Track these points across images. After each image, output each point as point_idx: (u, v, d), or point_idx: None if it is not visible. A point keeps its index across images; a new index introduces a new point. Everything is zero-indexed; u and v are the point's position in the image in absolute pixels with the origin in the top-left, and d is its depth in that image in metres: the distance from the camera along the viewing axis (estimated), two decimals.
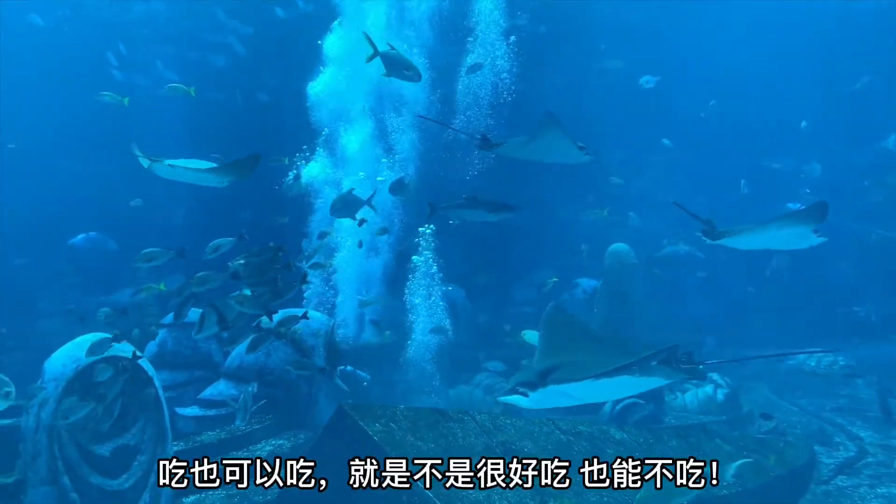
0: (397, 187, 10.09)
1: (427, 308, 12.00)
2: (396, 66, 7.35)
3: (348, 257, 13.21)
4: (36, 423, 6.27)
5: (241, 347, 9.23)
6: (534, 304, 14.84)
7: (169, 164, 5.95)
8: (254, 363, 8.98)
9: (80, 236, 15.21)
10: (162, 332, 9.97)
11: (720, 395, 11.14)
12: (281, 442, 8.25)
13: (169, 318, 9.90)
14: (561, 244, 16.33)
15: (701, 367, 4.27)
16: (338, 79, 14.16)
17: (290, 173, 13.16)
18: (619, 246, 11.75)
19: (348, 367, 10.24)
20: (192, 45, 16.47)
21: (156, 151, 5.84)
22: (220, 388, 8.99)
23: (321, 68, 14.13)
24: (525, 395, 4.11)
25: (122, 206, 14.58)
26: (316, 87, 14.13)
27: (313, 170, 13.78)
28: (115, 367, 6.48)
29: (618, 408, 10.03)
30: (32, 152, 15.08)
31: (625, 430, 7.51)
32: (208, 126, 13.93)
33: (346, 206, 9.05)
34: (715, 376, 11.53)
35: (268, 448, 8.04)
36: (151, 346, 9.88)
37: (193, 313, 7.85)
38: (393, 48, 7.50)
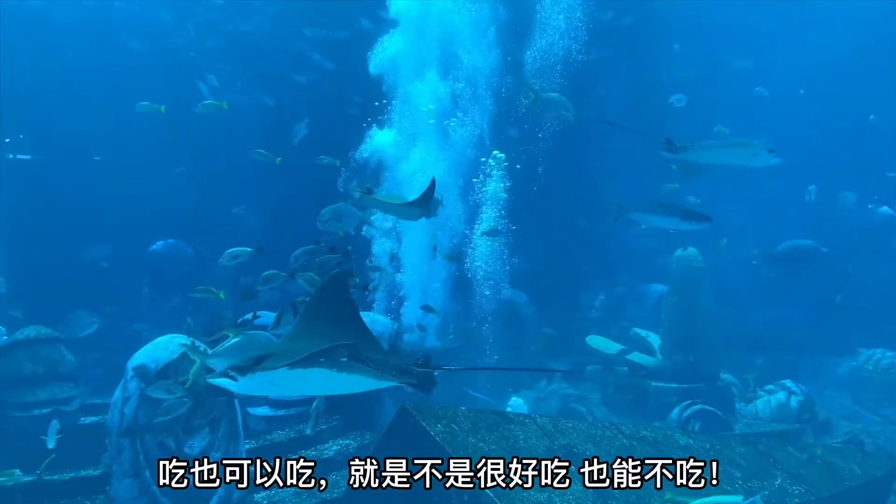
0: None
1: (489, 313, 12.05)
2: (555, 106, 7.61)
3: (413, 264, 13.41)
4: (120, 418, 6.67)
5: None
6: (601, 308, 14.70)
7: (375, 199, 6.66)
8: None
9: (159, 243, 16.00)
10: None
11: (794, 402, 10.74)
12: (348, 442, 8.47)
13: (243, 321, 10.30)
14: (633, 246, 16.05)
15: (436, 373, 4.09)
16: (404, 42, 14.20)
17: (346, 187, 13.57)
18: (688, 250, 11.52)
19: None
20: (279, 63, 17.06)
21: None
22: None
23: (390, 31, 14.30)
24: (234, 378, 3.88)
25: (201, 214, 15.33)
26: (383, 52, 14.19)
27: (384, 138, 13.88)
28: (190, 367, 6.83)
29: (685, 413, 9.84)
30: (121, 164, 16.02)
31: (690, 436, 7.37)
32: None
33: (338, 218, 7.92)
34: (788, 383, 11.13)
35: (335, 448, 8.27)
36: None
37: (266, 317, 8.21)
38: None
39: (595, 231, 14.81)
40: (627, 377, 11.31)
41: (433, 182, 6.08)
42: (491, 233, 11.47)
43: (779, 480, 6.82)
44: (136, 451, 6.67)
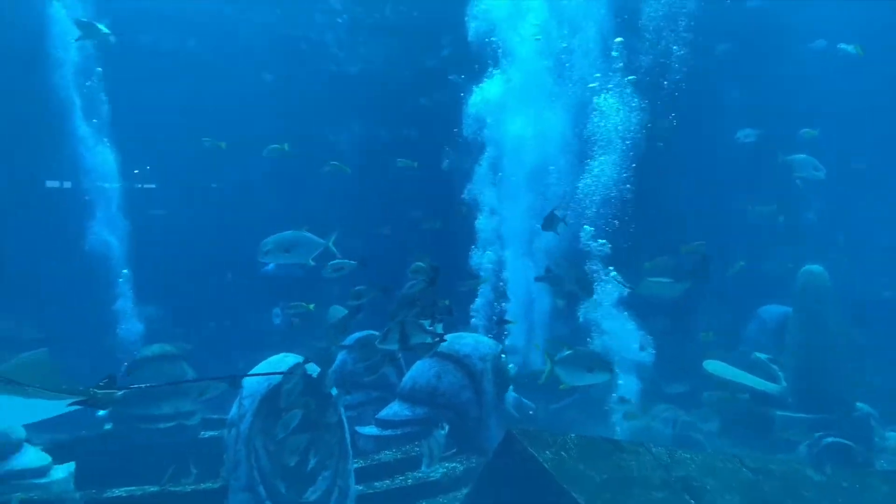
0: (550, 222, 9.04)
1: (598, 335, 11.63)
2: (804, 166, 7.53)
3: (517, 281, 13.22)
4: (236, 434, 6.90)
5: (413, 371, 9.58)
6: (719, 331, 13.85)
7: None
8: (426, 385, 9.24)
9: (271, 264, 16.69)
10: (342, 354, 10.56)
11: None
12: (454, 465, 8.38)
13: (349, 339, 10.49)
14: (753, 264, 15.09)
15: (120, 393, 3.73)
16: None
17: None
18: (812, 267, 10.73)
19: (513, 394, 10.19)
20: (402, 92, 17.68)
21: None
22: (394, 409, 9.34)
23: None
24: None
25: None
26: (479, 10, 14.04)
27: (491, 90, 13.72)
28: (304, 385, 7.01)
29: (817, 447, 9.07)
30: (238, 190, 17.02)
31: (824, 472, 6.75)
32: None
33: (286, 248, 7.12)
34: None
35: (441, 470, 8.19)
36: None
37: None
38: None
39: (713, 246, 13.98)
40: (749, 405, 10.60)
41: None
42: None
43: None
44: (252, 466, 6.88)
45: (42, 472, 7.42)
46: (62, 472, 7.60)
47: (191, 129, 14.75)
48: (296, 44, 17.70)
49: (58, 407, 3.56)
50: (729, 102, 16.11)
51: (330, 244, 7.48)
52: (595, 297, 8.18)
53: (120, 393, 3.80)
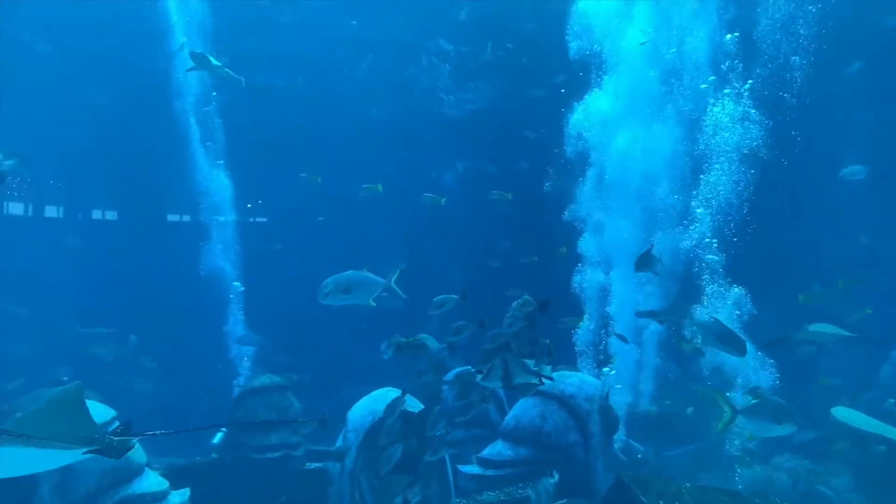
0: (644, 262, 8.52)
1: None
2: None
3: (623, 320, 12.74)
4: (341, 468, 6.95)
5: (517, 410, 9.35)
6: (846, 374, 12.76)
7: None
8: (529, 425, 8.98)
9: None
10: (444, 389, 10.50)
11: None
12: None
13: (450, 374, 10.41)
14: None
15: (135, 441, 3.56)
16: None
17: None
18: None
19: (621, 437, 9.75)
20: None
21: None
22: (497, 449, 9.12)
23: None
24: None
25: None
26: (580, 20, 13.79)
27: (597, 105, 13.37)
28: (404, 420, 6.98)
29: None
30: (345, 222, 17.57)
31: None
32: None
33: (345, 290, 7.06)
34: None
35: None
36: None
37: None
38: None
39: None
40: (886, 458, 9.62)
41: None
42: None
43: None
44: (356, 501, 6.89)
45: (160, 496, 7.71)
46: (178, 497, 7.87)
47: (299, 163, 15.40)
48: (405, 87, 18.23)
49: (73, 455, 3.62)
50: (858, 125, 15.08)
51: (392, 283, 7.29)
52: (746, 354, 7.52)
53: (135, 440, 3.78)
